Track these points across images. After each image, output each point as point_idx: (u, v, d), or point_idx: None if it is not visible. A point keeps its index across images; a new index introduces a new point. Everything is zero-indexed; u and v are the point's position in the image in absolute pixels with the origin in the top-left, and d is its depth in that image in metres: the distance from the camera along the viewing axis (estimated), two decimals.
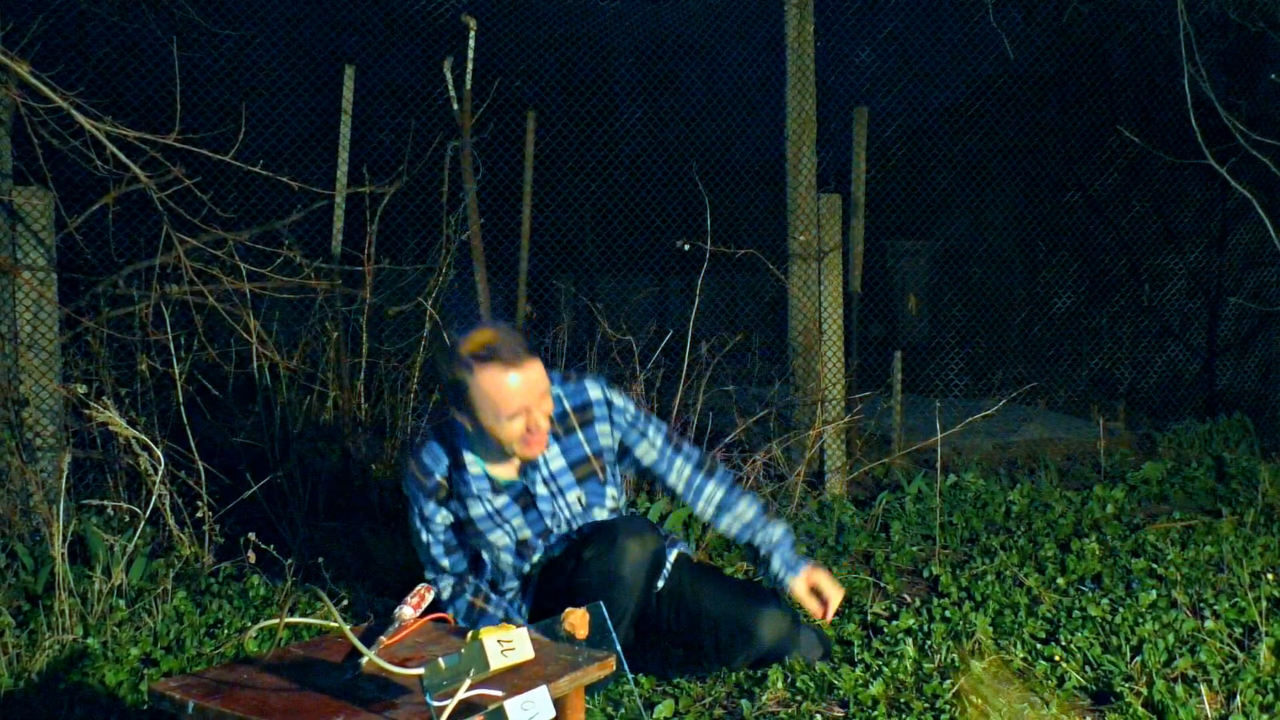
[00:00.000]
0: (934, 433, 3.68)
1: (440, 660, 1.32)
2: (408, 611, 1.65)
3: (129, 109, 3.51)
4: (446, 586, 2.44)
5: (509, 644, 1.33)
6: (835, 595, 2.43)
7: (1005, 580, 3.10)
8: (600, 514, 2.41)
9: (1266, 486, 4.05)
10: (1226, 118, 4.38)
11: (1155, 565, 3.22)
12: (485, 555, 2.47)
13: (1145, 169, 5.44)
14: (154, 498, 2.95)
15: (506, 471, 2.36)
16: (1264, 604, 2.79)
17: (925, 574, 3.23)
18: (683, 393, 3.72)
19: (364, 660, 1.47)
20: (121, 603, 2.75)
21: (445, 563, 2.45)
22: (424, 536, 2.43)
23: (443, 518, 2.40)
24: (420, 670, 1.35)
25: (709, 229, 3.25)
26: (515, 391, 2.17)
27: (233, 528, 3.18)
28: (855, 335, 4.48)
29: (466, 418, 2.24)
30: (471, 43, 3.93)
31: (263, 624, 2.03)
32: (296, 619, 1.85)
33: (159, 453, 2.96)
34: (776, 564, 2.46)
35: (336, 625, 1.59)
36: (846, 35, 5.09)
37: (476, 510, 2.37)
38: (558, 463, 2.37)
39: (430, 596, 1.71)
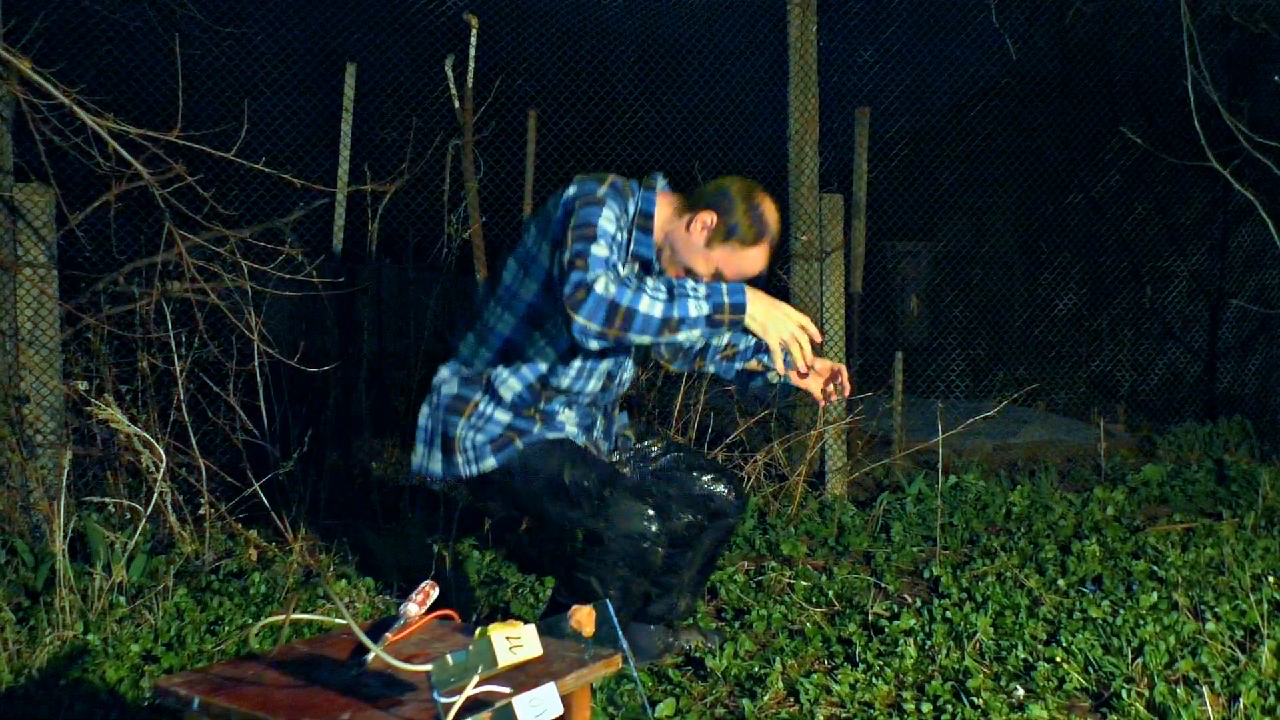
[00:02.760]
0: (935, 433, 3.68)
1: (448, 657, 1.32)
2: (413, 609, 1.64)
3: (130, 106, 3.51)
4: (610, 278, 2.10)
5: (517, 641, 1.33)
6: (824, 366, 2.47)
7: (1006, 581, 3.11)
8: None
9: (1267, 489, 4.05)
10: (1229, 119, 4.38)
11: (1156, 567, 3.22)
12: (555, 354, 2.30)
13: (1147, 171, 5.44)
14: (155, 495, 2.95)
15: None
16: (1265, 606, 2.79)
17: (926, 575, 3.23)
18: (684, 393, 3.73)
19: (370, 657, 1.47)
20: (122, 599, 2.74)
21: (616, 255, 2.17)
22: (611, 224, 2.16)
23: (622, 236, 2.21)
24: (428, 667, 1.34)
25: None
26: (737, 273, 2.24)
27: (234, 525, 3.17)
28: (856, 336, 4.48)
29: (693, 219, 2.24)
30: (473, 41, 3.92)
31: (268, 620, 2.02)
32: (303, 615, 1.84)
33: (160, 450, 2.96)
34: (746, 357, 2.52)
35: (341, 622, 1.58)
36: (849, 35, 5.09)
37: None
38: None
39: (434, 594, 1.70)
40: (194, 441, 3.17)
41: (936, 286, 5.88)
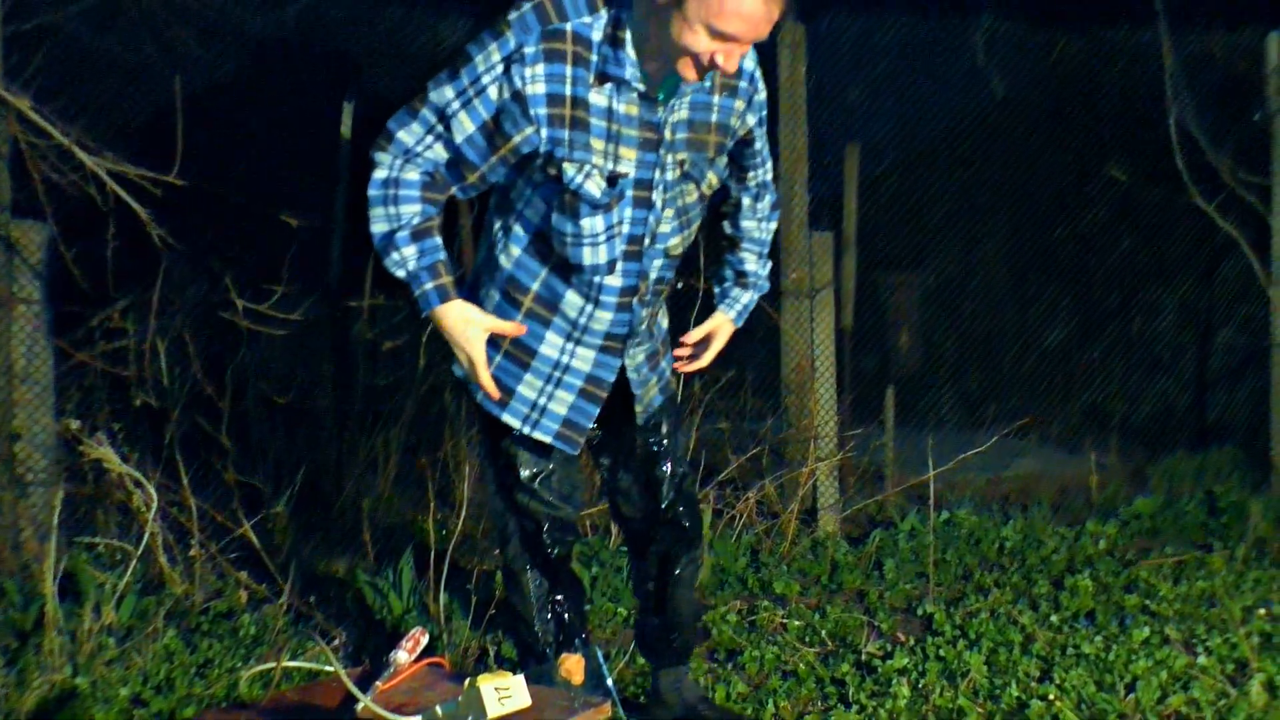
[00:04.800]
0: (927, 466, 3.69)
1: (438, 708, 1.33)
2: (402, 656, 1.65)
3: (127, 138, 3.54)
4: (396, 165, 1.84)
5: (505, 691, 1.33)
6: (714, 349, 2.20)
7: (999, 618, 3.11)
8: (691, 198, 1.99)
9: (1257, 520, 4.07)
10: (1212, 157, 4.44)
11: (1148, 601, 3.23)
12: (534, 218, 1.94)
13: (1135, 204, 5.50)
14: (145, 535, 2.94)
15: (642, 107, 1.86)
16: (1255, 639, 2.80)
17: (919, 612, 3.23)
18: None
19: (360, 706, 1.47)
20: (111, 641, 2.73)
21: (427, 139, 1.83)
22: (473, 74, 1.78)
23: (504, 92, 1.76)
24: (417, 717, 1.35)
25: (701, 267, 3.27)
26: (731, 24, 1.67)
27: (224, 565, 3.17)
28: (848, 370, 4.50)
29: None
30: None
31: (259, 667, 2.02)
32: (293, 663, 1.84)
33: (151, 490, 2.96)
34: (732, 293, 2.20)
35: (332, 670, 1.59)
36: (838, 71, 5.15)
37: (596, 123, 1.81)
38: (682, 114, 1.90)
39: (425, 641, 1.70)
40: (185, 481, 3.16)
41: (928, 318, 5.91)
